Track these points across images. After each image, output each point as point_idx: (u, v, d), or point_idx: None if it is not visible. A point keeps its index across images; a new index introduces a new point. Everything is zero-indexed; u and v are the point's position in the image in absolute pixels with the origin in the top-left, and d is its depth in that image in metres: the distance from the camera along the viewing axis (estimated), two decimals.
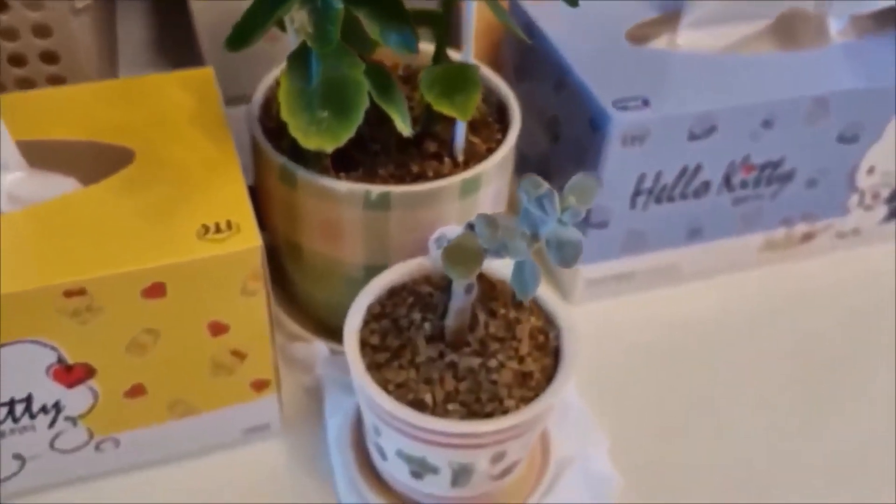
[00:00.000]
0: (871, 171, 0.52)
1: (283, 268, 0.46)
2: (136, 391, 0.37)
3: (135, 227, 0.34)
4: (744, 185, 0.49)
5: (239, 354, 0.38)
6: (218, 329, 0.36)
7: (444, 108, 0.37)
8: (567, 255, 0.27)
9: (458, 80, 0.37)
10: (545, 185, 0.29)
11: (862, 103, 0.48)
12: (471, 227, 0.32)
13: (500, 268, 0.39)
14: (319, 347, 0.45)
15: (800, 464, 0.44)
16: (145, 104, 0.40)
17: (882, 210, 0.55)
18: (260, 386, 0.40)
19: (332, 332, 0.46)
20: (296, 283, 0.46)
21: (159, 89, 0.41)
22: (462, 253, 0.31)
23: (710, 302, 0.52)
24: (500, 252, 0.31)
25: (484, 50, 0.55)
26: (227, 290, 0.35)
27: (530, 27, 0.50)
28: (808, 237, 0.54)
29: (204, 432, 0.40)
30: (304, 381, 0.45)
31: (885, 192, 0.54)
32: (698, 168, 0.47)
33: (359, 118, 0.34)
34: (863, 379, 0.48)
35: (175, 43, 0.63)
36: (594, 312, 0.51)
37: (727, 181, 0.49)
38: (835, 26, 0.52)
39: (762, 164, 0.49)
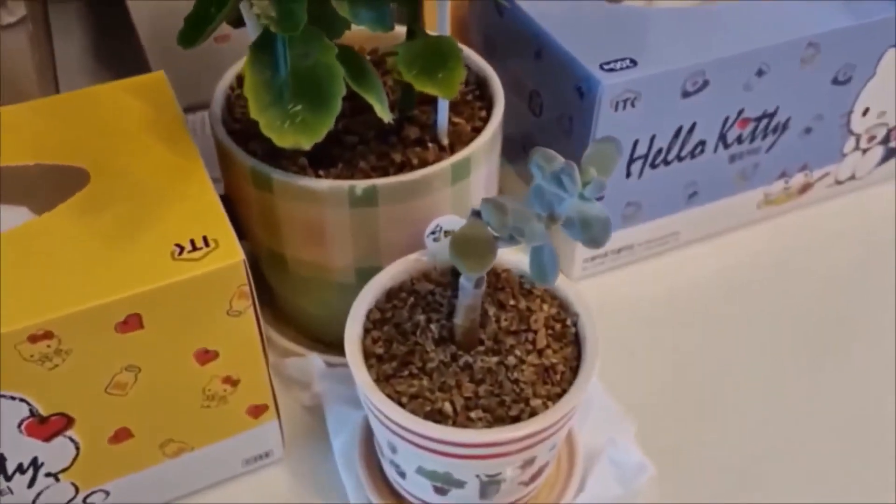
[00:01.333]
0: (865, 112, 0.50)
1: (265, 280, 0.43)
2: (122, 436, 0.33)
3: (99, 254, 0.31)
4: (740, 140, 0.47)
5: (231, 381, 0.34)
6: (206, 357, 0.33)
7: (426, 88, 0.33)
8: (596, 233, 0.24)
9: (438, 55, 0.33)
10: (560, 158, 0.25)
11: (854, 41, 0.46)
12: (476, 214, 0.29)
13: (504, 254, 0.36)
14: (315, 361, 0.42)
15: (814, 417, 0.42)
16: (94, 117, 0.36)
17: (878, 152, 0.53)
18: (257, 412, 0.36)
19: (327, 344, 0.43)
20: (281, 296, 0.43)
21: (108, 100, 0.37)
22: (471, 244, 0.28)
23: (713, 264, 0.50)
24: (513, 238, 0.28)
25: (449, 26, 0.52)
26: (211, 313, 0.31)
27: None
28: (806, 188, 0.52)
29: (202, 469, 0.37)
30: (302, 398, 0.42)
31: (881, 133, 0.52)
32: (693, 127, 0.45)
33: (337, 108, 0.31)
34: (872, 322, 0.47)
35: (117, 52, 0.58)
36: (594, 288, 0.49)
37: (723, 138, 0.46)
38: None
39: (757, 116, 0.46)
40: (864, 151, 0.53)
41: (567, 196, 0.25)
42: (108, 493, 0.35)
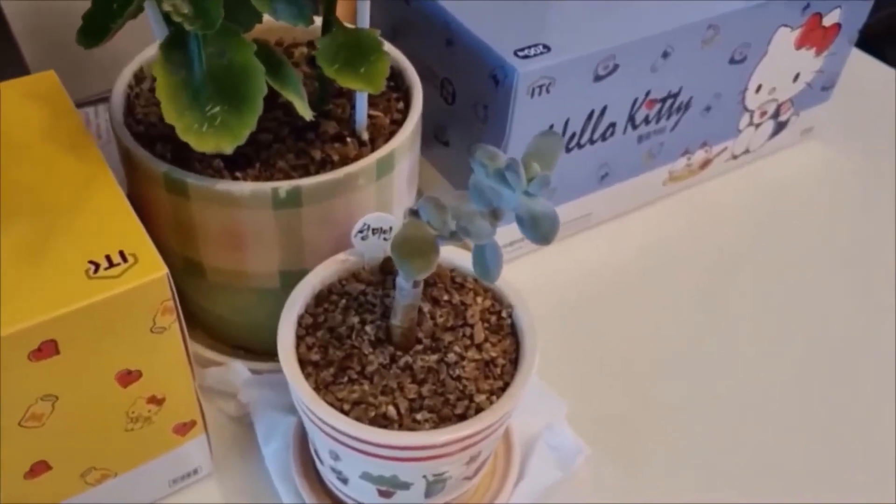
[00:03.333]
0: (758, 89, 0.52)
1: (178, 287, 0.41)
2: (39, 470, 0.31)
3: (6, 277, 0.28)
4: (647, 120, 0.48)
5: (156, 400, 0.32)
6: (128, 378, 0.31)
7: (349, 82, 0.32)
8: (544, 229, 0.24)
9: (359, 48, 0.32)
10: (503, 156, 0.25)
11: (750, 21, 0.47)
12: (413, 213, 0.28)
13: None
14: (238, 369, 0.40)
15: (726, 385, 0.44)
16: None
17: (769, 126, 0.56)
18: (184, 429, 0.34)
19: (248, 350, 0.41)
20: (197, 303, 0.41)
21: None
22: (414, 244, 0.27)
23: (625, 242, 0.52)
24: (454, 236, 0.27)
25: (348, 14, 0.51)
26: (133, 331, 0.29)
27: None
28: (706, 163, 0.54)
29: (126, 494, 0.35)
30: (227, 409, 0.40)
31: (772, 108, 0.55)
32: (604, 110, 0.45)
33: (258, 108, 0.29)
34: (767, 286, 0.49)
35: None
36: (513, 273, 0.49)
37: (632, 119, 0.47)
38: None
39: (663, 97, 0.47)
40: (757, 126, 0.55)
41: (511, 192, 0.25)
42: None
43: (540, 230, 0.24)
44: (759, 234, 0.53)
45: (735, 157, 0.56)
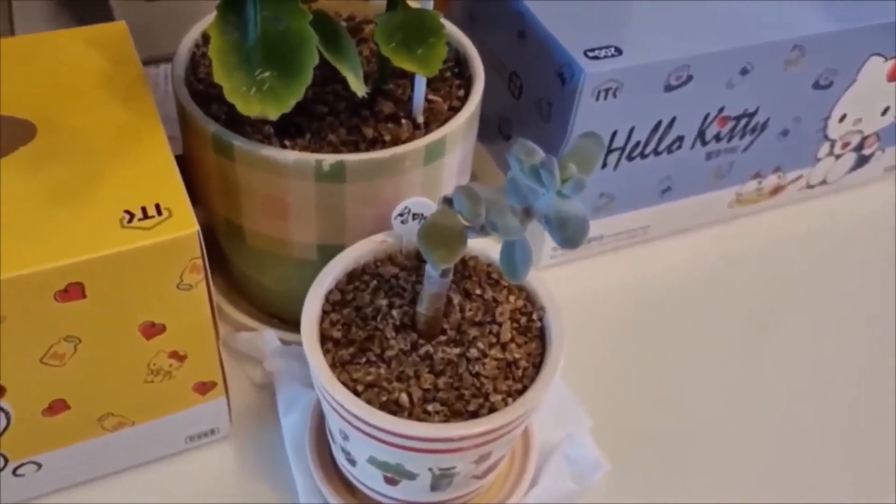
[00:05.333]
0: (843, 118, 0.50)
1: (220, 248, 0.41)
2: (57, 408, 0.31)
3: (42, 216, 0.29)
4: (718, 138, 0.46)
5: (178, 356, 0.32)
6: (152, 330, 0.31)
7: (404, 63, 0.32)
8: (572, 233, 0.23)
9: (419, 29, 0.32)
10: (540, 152, 0.24)
11: (839, 46, 0.45)
12: (447, 201, 0.28)
13: (472, 241, 0.35)
14: (268, 337, 0.40)
15: (776, 417, 0.42)
16: (47, 66, 0.34)
17: (850, 158, 0.53)
18: (204, 389, 0.35)
19: (282, 319, 0.41)
20: (237, 266, 0.41)
21: (63, 48, 0.35)
22: (442, 233, 0.26)
23: (681, 260, 0.50)
24: (484, 229, 0.27)
25: None
26: (160, 285, 0.30)
27: None
28: (777, 189, 0.52)
29: (141, 444, 0.35)
30: (253, 375, 0.40)
31: (855, 140, 0.52)
32: (673, 122, 0.44)
33: (307, 78, 0.29)
34: (834, 325, 0.47)
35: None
36: (560, 277, 0.48)
37: (701, 135, 0.45)
38: None
39: (737, 115, 0.45)
40: (838, 157, 0.52)
41: (544, 191, 0.24)
42: (39, 466, 0.33)
43: (566, 232, 0.23)
44: (824, 271, 0.50)
45: (810, 187, 0.53)
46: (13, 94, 0.32)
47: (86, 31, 0.36)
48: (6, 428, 0.31)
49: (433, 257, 0.27)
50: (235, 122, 0.35)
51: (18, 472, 0.33)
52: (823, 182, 0.54)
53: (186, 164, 0.37)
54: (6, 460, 0.32)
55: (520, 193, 0.26)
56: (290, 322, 0.41)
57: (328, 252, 0.35)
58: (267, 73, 0.29)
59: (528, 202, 0.25)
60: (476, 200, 0.26)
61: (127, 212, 0.29)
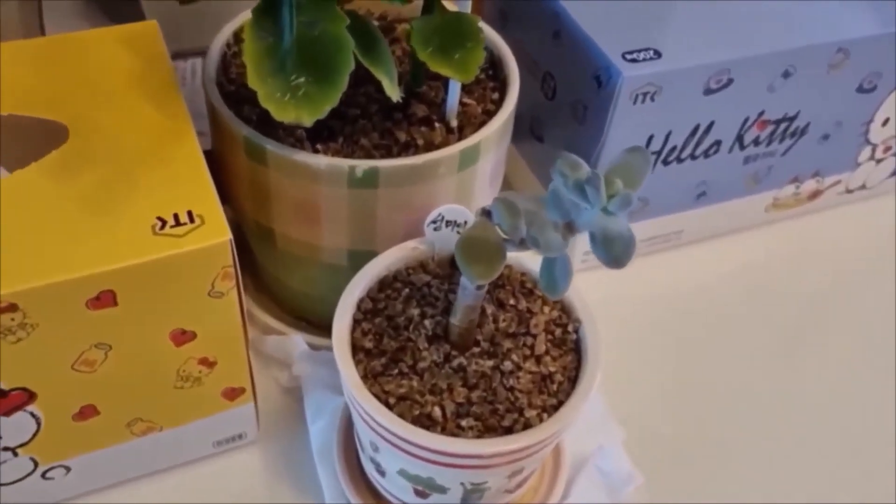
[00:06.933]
0: (885, 123, 0.49)
1: (250, 251, 0.41)
2: (87, 413, 0.31)
3: (74, 221, 0.28)
4: (756, 142, 0.45)
5: (208, 363, 0.32)
6: (182, 338, 0.30)
7: (441, 68, 0.31)
8: (618, 252, 0.22)
9: (456, 34, 0.31)
10: (585, 167, 0.23)
11: (884, 49, 0.44)
12: (486, 213, 0.27)
13: None
14: (297, 341, 0.40)
15: (814, 427, 0.41)
16: (78, 67, 0.33)
17: (891, 163, 0.52)
18: (233, 394, 0.34)
19: (311, 323, 0.41)
20: (266, 269, 0.41)
21: (94, 48, 0.34)
22: (480, 247, 0.26)
23: (715, 266, 0.49)
24: (524, 244, 0.26)
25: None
26: (191, 292, 0.29)
27: None
28: (816, 194, 0.51)
29: (170, 449, 0.35)
30: (281, 379, 0.40)
31: None
32: (711, 126, 0.43)
33: (343, 83, 0.28)
34: (871, 331, 0.46)
35: None
36: (592, 281, 0.47)
37: (740, 139, 0.44)
38: None
39: (777, 119, 0.44)
40: (878, 162, 0.51)
41: (589, 207, 0.23)
42: (68, 469, 0.33)
43: (612, 252, 0.22)
44: (864, 278, 0.49)
45: (849, 192, 0.52)
46: (45, 96, 0.32)
47: (116, 30, 0.35)
48: (37, 432, 0.31)
49: (472, 273, 0.26)
50: (267, 124, 0.34)
51: (48, 475, 0.33)
52: (863, 187, 0.52)
53: (216, 163, 0.36)
54: (36, 464, 0.32)
55: (562, 208, 0.25)
56: (318, 325, 0.41)
57: (359, 258, 0.34)
58: (302, 79, 0.28)
59: (571, 217, 0.25)
60: (516, 213, 0.25)
61: (159, 218, 0.28)
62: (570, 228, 0.24)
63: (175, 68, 0.35)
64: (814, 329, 0.46)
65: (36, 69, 0.33)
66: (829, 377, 0.44)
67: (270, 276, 0.40)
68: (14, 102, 0.32)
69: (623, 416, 0.39)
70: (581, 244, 0.46)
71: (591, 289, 0.45)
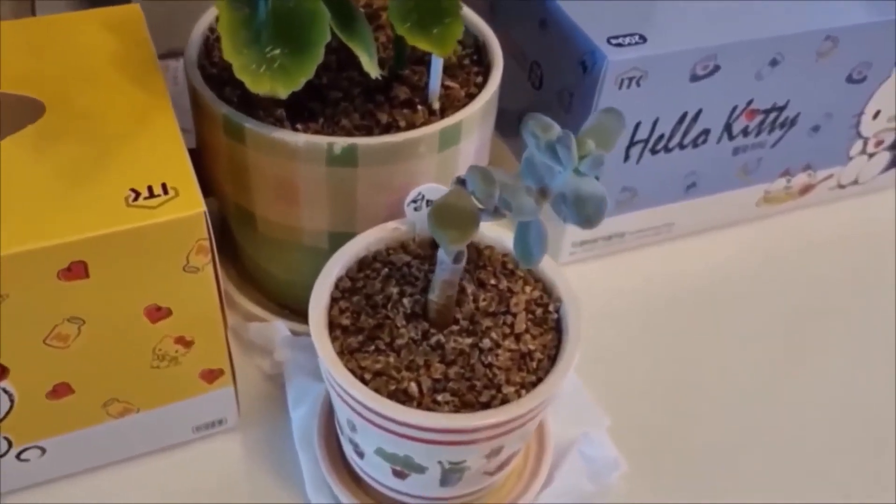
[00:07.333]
0: (876, 115, 0.48)
1: (233, 238, 0.40)
2: (61, 391, 0.31)
3: (46, 193, 0.28)
4: (745, 132, 0.45)
5: (185, 342, 0.32)
6: (157, 314, 0.30)
7: (419, 42, 0.31)
8: (589, 211, 0.22)
9: (434, 9, 0.31)
10: (557, 127, 0.23)
11: (874, 38, 0.44)
12: (461, 182, 0.27)
13: (487, 231, 0.34)
14: (279, 328, 0.39)
15: (798, 419, 0.41)
16: (59, 47, 0.33)
17: (884, 157, 0.51)
18: (212, 376, 0.34)
19: (293, 310, 0.41)
20: (249, 256, 0.40)
21: (76, 30, 0.34)
22: (454, 213, 0.25)
23: (706, 260, 0.48)
24: (498, 212, 0.26)
25: None
26: (165, 266, 0.29)
27: None
28: (807, 188, 0.50)
29: (148, 432, 0.35)
30: (263, 366, 0.40)
31: (889, 139, 0.50)
32: (699, 114, 0.42)
33: (318, 55, 0.28)
34: (861, 328, 0.45)
35: None
36: (580, 275, 0.46)
37: (728, 129, 0.44)
38: None
39: (766, 108, 0.44)
40: (871, 156, 0.51)
41: (561, 169, 0.23)
42: (43, 450, 0.33)
43: (583, 211, 0.22)
44: (857, 275, 0.48)
45: (842, 187, 0.52)
46: (25, 74, 0.32)
47: (100, 13, 0.35)
48: (10, 410, 0.30)
49: (445, 238, 0.26)
50: (248, 105, 0.34)
51: (22, 456, 0.32)
52: (855, 182, 0.52)
53: (200, 155, 0.36)
54: (10, 444, 0.32)
55: (535, 173, 0.24)
56: (300, 313, 0.40)
57: (340, 241, 0.34)
58: (277, 51, 0.28)
59: (544, 182, 0.24)
60: (490, 181, 0.25)
61: (133, 190, 0.28)
62: (543, 193, 0.24)
63: (166, 66, 0.35)
64: (804, 325, 0.45)
65: (18, 48, 0.33)
66: (821, 372, 0.43)
67: (253, 263, 0.40)
68: None
69: (611, 406, 0.39)
70: (575, 234, 0.45)
71: (580, 281, 0.45)
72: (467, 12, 0.39)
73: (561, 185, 0.23)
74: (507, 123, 0.45)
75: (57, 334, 0.29)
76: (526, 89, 0.45)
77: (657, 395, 0.41)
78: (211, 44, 0.37)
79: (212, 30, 0.38)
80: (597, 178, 0.24)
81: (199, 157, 0.36)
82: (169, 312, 0.30)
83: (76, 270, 0.27)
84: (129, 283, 0.29)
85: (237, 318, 0.41)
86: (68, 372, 0.30)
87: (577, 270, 0.47)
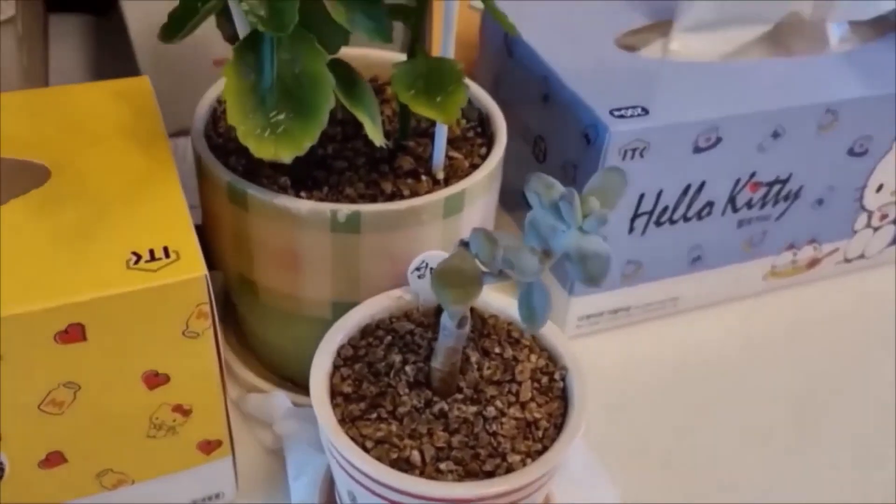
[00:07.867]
0: (880, 189, 0.48)
1: (236, 311, 0.40)
2: (54, 460, 0.30)
3: (46, 255, 0.28)
4: (750, 204, 0.45)
5: (183, 410, 0.31)
6: (155, 380, 0.30)
7: (423, 110, 0.31)
8: (593, 270, 0.22)
9: (438, 76, 0.31)
10: (560, 186, 0.23)
11: (874, 112, 0.44)
12: (464, 244, 0.26)
13: (492, 300, 0.34)
14: (280, 399, 0.39)
15: (808, 496, 0.39)
16: (67, 114, 0.34)
17: (890, 231, 0.51)
18: (210, 448, 0.33)
19: (295, 382, 0.40)
20: (251, 328, 0.40)
21: (85, 99, 0.35)
22: (457, 275, 0.25)
23: (713, 334, 0.48)
24: (502, 273, 0.25)
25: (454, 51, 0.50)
26: (165, 331, 0.29)
27: (510, 36, 0.45)
28: (814, 262, 0.50)
29: None
30: (264, 439, 0.39)
31: (892, 213, 0.50)
32: (702, 186, 0.42)
33: (323, 120, 0.28)
34: (868, 404, 0.44)
35: (113, 70, 0.57)
36: (586, 349, 0.46)
37: (732, 201, 0.44)
38: (835, 33, 0.48)
39: (770, 181, 0.44)
40: (876, 230, 0.51)
41: (564, 228, 0.23)
42: None
43: (588, 270, 0.22)
44: (869, 354, 0.47)
45: (848, 261, 0.51)
46: (32, 141, 0.32)
47: (110, 84, 0.36)
48: (0, 479, 0.30)
49: (448, 298, 0.25)
50: (253, 175, 0.34)
51: None
52: (862, 256, 0.52)
53: (205, 229, 0.37)
54: None
55: (539, 234, 0.24)
56: (302, 385, 0.39)
57: (343, 310, 0.34)
58: (282, 116, 0.28)
59: (548, 243, 0.24)
60: (493, 242, 0.25)
61: (134, 253, 0.28)
62: (547, 254, 0.24)
63: (176, 144, 0.35)
64: (813, 402, 0.44)
65: (28, 116, 0.33)
66: (829, 448, 0.42)
67: (255, 335, 0.40)
68: (3, 145, 0.32)
69: (618, 479, 0.37)
70: (581, 307, 0.45)
71: (586, 356, 0.44)
72: (473, 87, 0.40)
73: (565, 243, 0.23)
74: (512, 199, 0.46)
75: (52, 400, 0.28)
76: (531, 163, 0.45)
77: (665, 470, 0.40)
78: (218, 115, 0.38)
79: (219, 101, 0.38)
80: (604, 239, 0.24)
81: (205, 232, 0.36)
82: (167, 379, 0.30)
83: (73, 333, 0.27)
84: (127, 347, 0.28)
85: (238, 390, 0.40)
86: (62, 440, 0.30)
87: (583, 344, 0.46)
